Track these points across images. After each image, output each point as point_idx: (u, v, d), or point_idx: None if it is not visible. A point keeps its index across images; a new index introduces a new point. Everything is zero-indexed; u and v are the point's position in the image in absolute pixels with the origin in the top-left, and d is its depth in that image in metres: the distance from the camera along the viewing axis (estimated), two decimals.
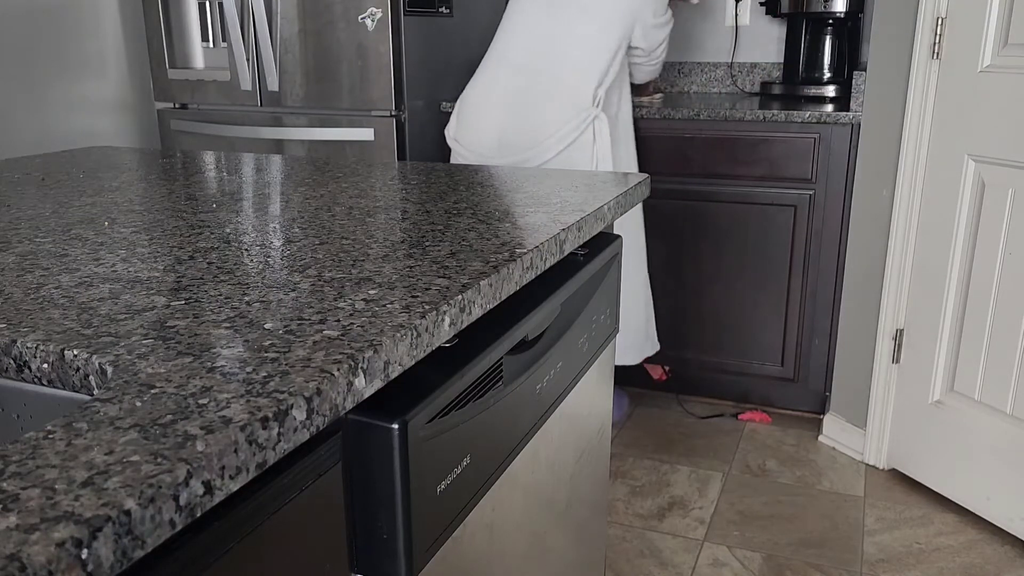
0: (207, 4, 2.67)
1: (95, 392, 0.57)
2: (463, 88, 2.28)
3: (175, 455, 0.43)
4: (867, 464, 2.29)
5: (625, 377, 2.69)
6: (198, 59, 2.76)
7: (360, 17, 2.41)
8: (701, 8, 2.89)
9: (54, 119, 2.62)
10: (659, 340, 2.58)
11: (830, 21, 2.58)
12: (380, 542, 0.66)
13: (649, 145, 2.46)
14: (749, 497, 2.14)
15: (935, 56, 1.98)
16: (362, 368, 0.57)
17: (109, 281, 0.74)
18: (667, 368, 2.64)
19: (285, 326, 0.62)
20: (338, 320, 0.63)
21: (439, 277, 0.74)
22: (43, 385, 0.60)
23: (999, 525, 1.97)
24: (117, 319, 0.64)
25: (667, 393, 2.70)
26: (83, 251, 0.84)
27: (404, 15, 2.40)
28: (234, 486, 0.45)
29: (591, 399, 1.18)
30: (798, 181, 2.34)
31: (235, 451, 0.45)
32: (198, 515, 0.43)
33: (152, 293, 0.70)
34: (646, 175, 1.27)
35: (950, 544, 1.94)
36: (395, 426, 0.63)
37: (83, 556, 0.36)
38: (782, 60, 2.81)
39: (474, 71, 2.32)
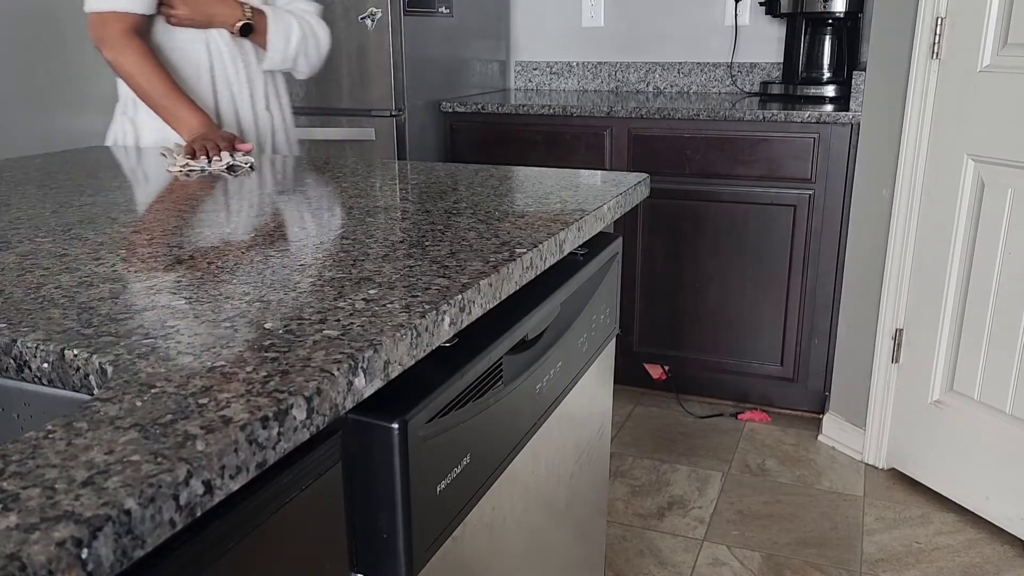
0: None
1: (95, 392, 0.57)
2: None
3: (175, 455, 0.43)
4: (866, 464, 2.29)
5: (625, 377, 2.69)
6: None
7: (360, 17, 2.41)
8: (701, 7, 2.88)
9: (54, 119, 2.62)
10: (659, 340, 2.58)
11: (830, 21, 2.58)
12: (380, 542, 0.66)
13: (649, 145, 2.46)
14: (748, 497, 2.14)
15: (935, 56, 1.98)
16: (362, 368, 0.57)
17: (109, 281, 0.74)
18: (667, 368, 2.64)
19: (285, 326, 0.62)
20: (338, 320, 0.63)
21: (439, 277, 0.74)
22: (43, 385, 0.60)
23: (998, 524, 1.97)
24: (117, 319, 0.64)
25: (667, 393, 2.70)
26: (83, 251, 0.84)
27: (404, 15, 2.40)
28: (234, 486, 0.46)
29: (591, 399, 1.18)
30: (797, 181, 2.34)
31: (235, 451, 0.45)
32: (198, 515, 0.43)
33: (152, 293, 0.70)
34: (645, 175, 1.27)
35: (949, 543, 1.94)
36: (395, 426, 0.63)
37: (83, 556, 0.36)
38: (782, 60, 2.81)
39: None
